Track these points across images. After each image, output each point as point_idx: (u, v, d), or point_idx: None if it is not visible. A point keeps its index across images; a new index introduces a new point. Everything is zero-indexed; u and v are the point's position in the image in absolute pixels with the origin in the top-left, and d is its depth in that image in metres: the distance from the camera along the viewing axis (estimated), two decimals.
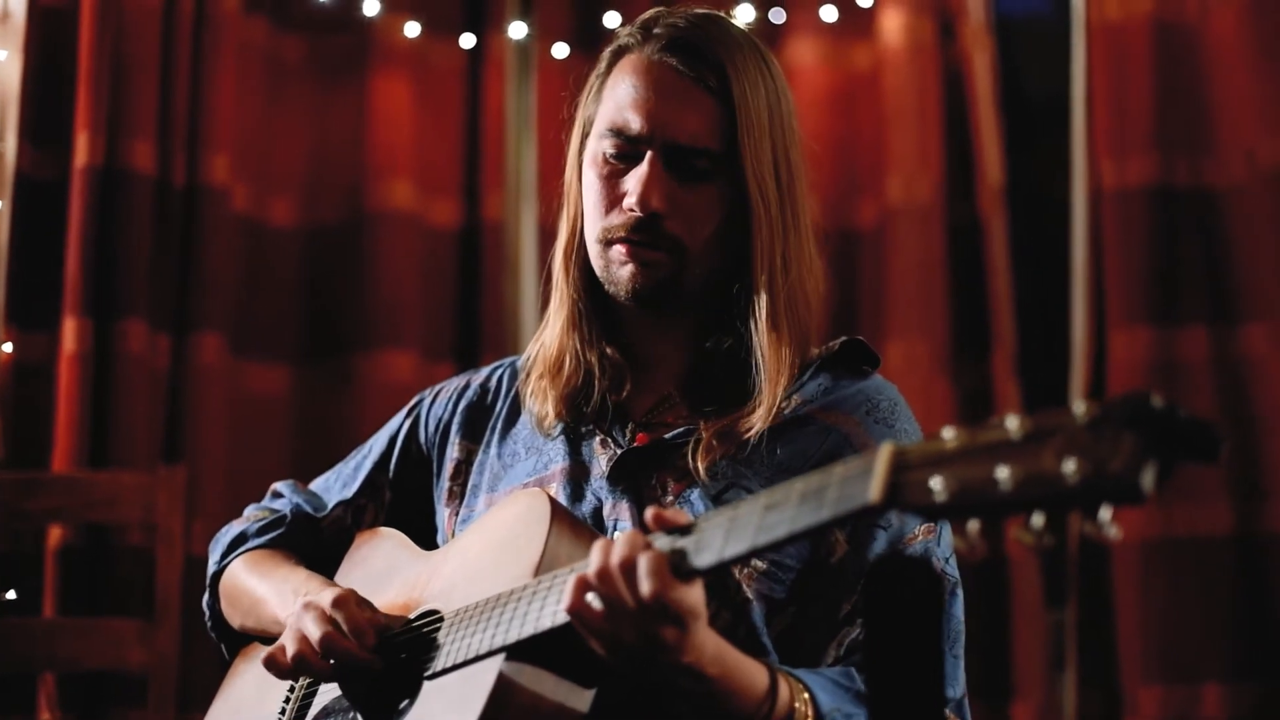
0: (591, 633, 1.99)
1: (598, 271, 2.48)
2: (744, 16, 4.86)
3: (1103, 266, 4.73)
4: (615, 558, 1.95)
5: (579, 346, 2.52)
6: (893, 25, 5.00)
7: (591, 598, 1.97)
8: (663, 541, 1.96)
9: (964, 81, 4.96)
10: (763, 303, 2.42)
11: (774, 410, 2.38)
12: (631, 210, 2.40)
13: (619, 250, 2.43)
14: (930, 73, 4.97)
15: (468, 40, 5.17)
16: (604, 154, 2.46)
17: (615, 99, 2.46)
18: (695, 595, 1.96)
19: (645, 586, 1.92)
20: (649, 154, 2.41)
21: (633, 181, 2.41)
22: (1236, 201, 4.64)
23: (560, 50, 5.13)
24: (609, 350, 2.52)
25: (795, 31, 5.09)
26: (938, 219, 4.91)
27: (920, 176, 4.92)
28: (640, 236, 2.41)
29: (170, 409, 4.59)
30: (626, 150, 2.44)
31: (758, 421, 2.37)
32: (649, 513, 1.99)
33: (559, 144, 2.63)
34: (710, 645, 2.02)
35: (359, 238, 5.04)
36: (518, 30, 5.13)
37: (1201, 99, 4.71)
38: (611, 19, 4.94)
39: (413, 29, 5.09)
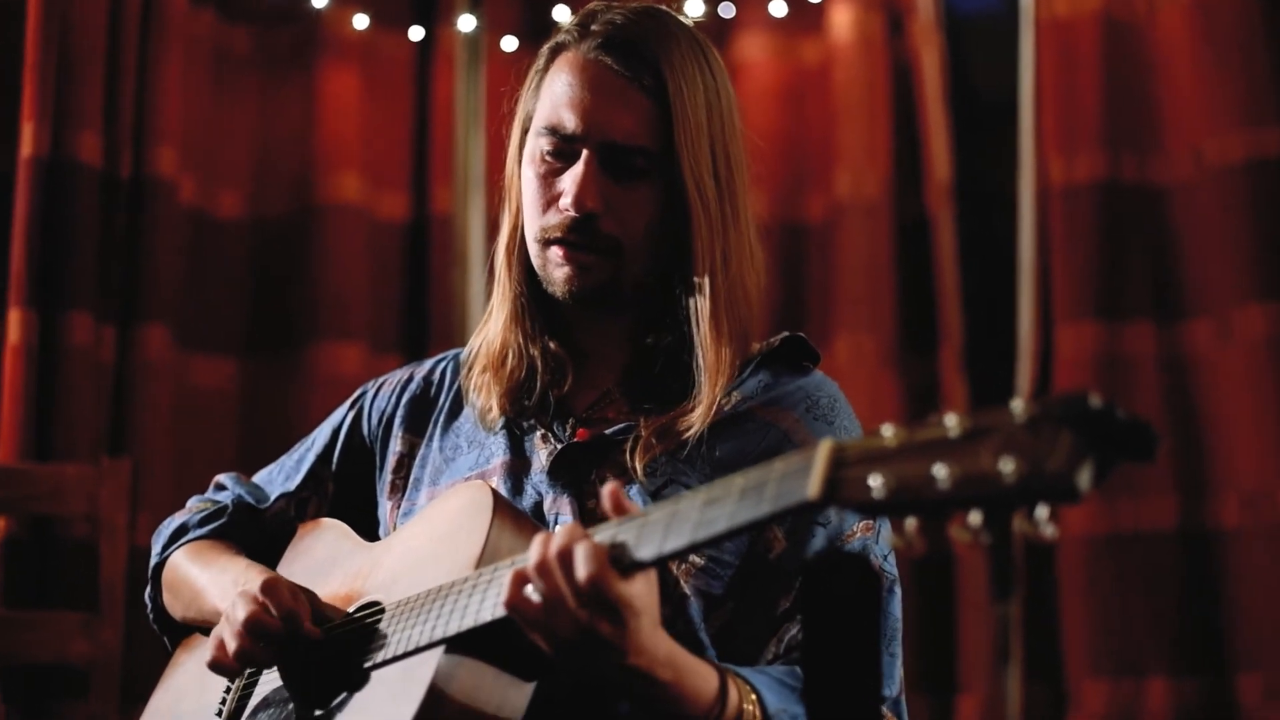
0: (531, 626, 1.98)
1: (537, 270, 2.48)
2: (693, 11, 4.86)
3: (1050, 262, 4.75)
4: (553, 549, 1.95)
5: (521, 340, 2.51)
6: (842, 20, 5.02)
7: (530, 590, 1.97)
8: (603, 534, 1.96)
9: (913, 77, 5.00)
10: (703, 300, 2.41)
11: (713, 408, 2.38)
12: (567, 210, 2.40)
13: (556, 252, 2.43)
14: (879, 68, 4.99)
15: (416, 33, 5.17)
16: (541, 152, 2.46)
17: (552, 96, 2.46)
18: (635, 589, 1.95)
19: (581, 573, 1.92)
20: (585, 153, 2.40)
21: (568, 181, 2.41)
22: (1183, 198, 4.66)
23: (509, 43, 5.13)
24: (551, 344, 2.51)
25: (744, 26, 5.11)
26: (886, 214, 4.94)
27: (868, 172, 4.94)
28: (576, 237, 2.41)
29: (115, 401, 4.56)
30: (563, 149, 2.43)
31: (697, 420, 2.37)
32: (607, 488, 1.99)
33: (504, 136, 2.61)
34: (663, 648, 2.02)
35: (307, 230, 5.04)
36: (467, 23, 5.13)
37: (1149, 97, 4.73)
38: (561, 12, 4.93)
39: (361, 21, 5.09)
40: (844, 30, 5.01)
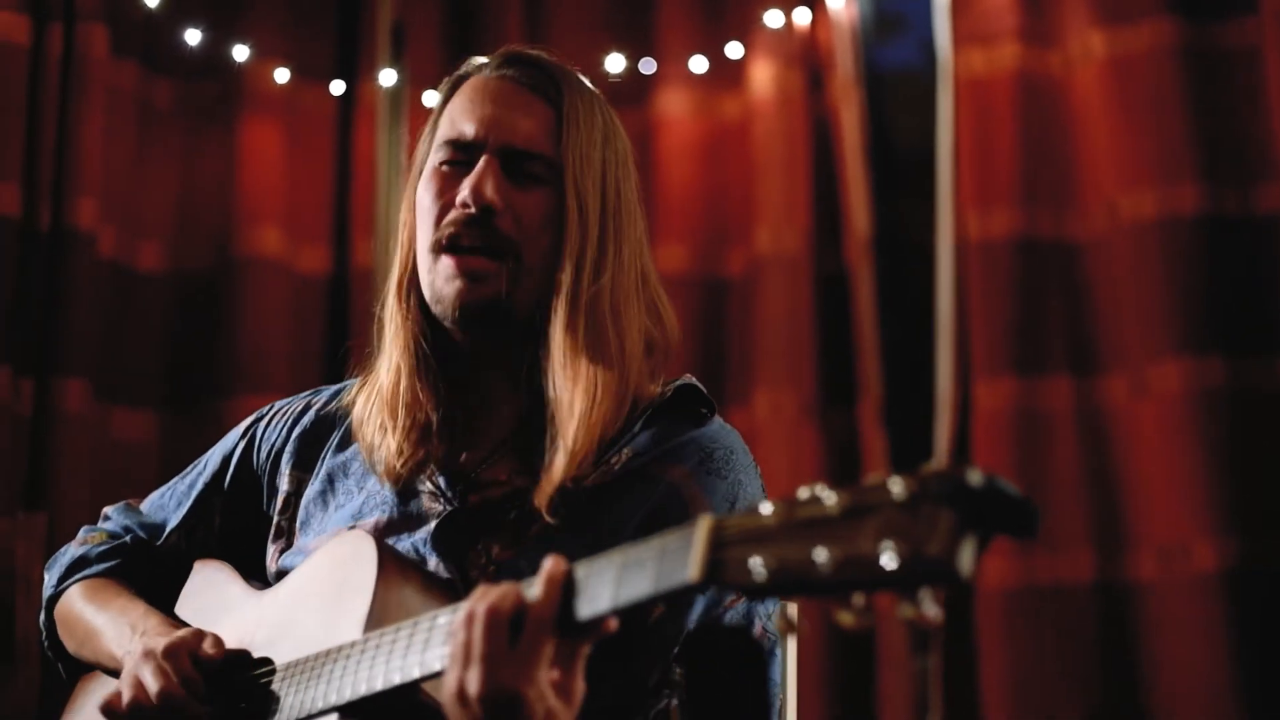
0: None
1: (426, 293, 2.43)
2: (614, 66, 4.89)
3: (968, 317, 4.77)
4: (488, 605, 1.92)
5: (413, 390, 2.45)
6: (762, 77, 5.04)
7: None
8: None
9: (832, 133, 5.01)
10: (560, 315, 2.37)
11: (577, 461, 2.30)
12: (465, 206, 2.37)
13: (447, 264, 2.38)
14: (799, 124, 5.01)
15: (338, 87, 5.18)
16: (437, 165, 2.44)
17: (450, 117, 2.45)
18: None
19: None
20: (484, 157, 2.39)
21: (465, 182, 2.38)
22: (1098, 254, 4.70)
23: (430, 98, 5.13)
24: (444, 393, 2.46)
25: (665, 82, 5.11)
26: (805, 269, 4.94)
27: (788, 226, 4.95)
28: (471, 234, 2.36)
29: (33, 455, 4.53)
30: (460, 158, 2.42)
31: (554, 480, 2.30)
32: (555, 565, 1.91)
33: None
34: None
35: (227, 283, 5.03)
36: (388, 77, 5.14)
37: (1065, 153, 4.78)
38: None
39: (283, 75, 5.10)
40: (764, 86, 5.03)
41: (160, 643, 2.34)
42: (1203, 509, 4.49)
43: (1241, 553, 4.46)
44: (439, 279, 2.40)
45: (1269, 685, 4.42)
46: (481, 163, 2.39)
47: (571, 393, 2.34)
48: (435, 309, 2.43)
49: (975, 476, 1.52)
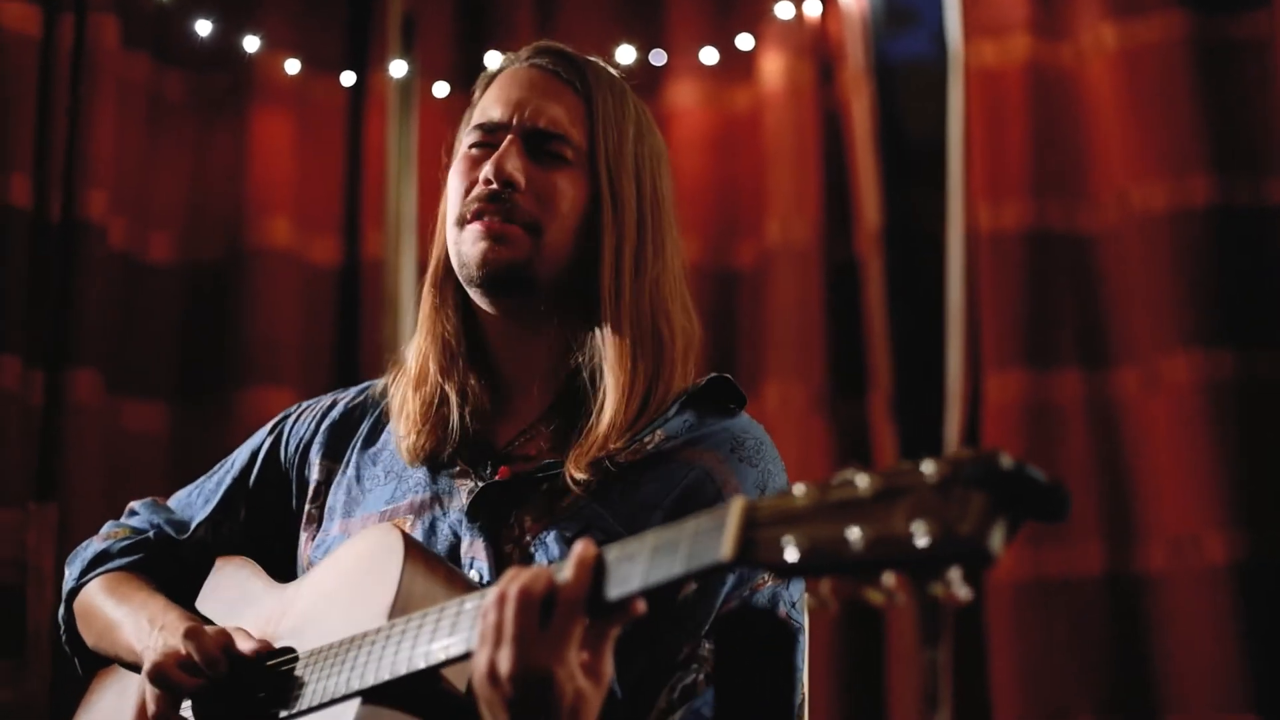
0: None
1: (454, 263, 2.48)
2: (624, 58, 4.89)
3: (978, 309, 4.78)
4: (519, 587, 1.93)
5: (443, 371, 2.49)
6: (773, 68, 5.04)
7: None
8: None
9: (843, 124, 5.02)
10: (607, 308, 2.42)
11: (618, 424, 2.36)
12: (488, 182, 2.42)
13: (473, 228, 2.43)
14: (809, 115, 5.01)
15: (348, 78, 5.18)
16: (467, 149, 2.50)
17: (482, 106, 2.52)
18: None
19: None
20: (508, 136, 2.45)
21: (490, 161, 2.45)
22: (1109, 246, 4.70)
23: (441, 89, 5.15)
24: (474, 375, 2.50)
25: (676, 73, 5.13)
26: (815, 260, 4.95)
27: (798, 218, 4.96)
28: (494, 207, 2.42)
29: (44, 446, 4.54)
30: (488, 140, 2.48)
31: (599, 437, 2.36)
32: (586, 549, 1.92)
33: (439, 183, 2.62)
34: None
35: (238, 275, 5.03)
36: (399, 69, 5.15)
37: (1076, 145, 4.78)
38: (493, 58, 4.95)
39: (293, 66, 5.10)
40: (775, 78, 5.04)
41: (175, 634, 2.35)
42: (1213, 501, 4.49)
43: (1251, 545, 4.46)
44: (465, 245, 2.45)
45: (1279, 677, 4.42)
46: (505, 142, 2.45)
47: (612, 379, 2.39)
48: (462, 274, 2.47)
49: (1007, 461, 1.54)
